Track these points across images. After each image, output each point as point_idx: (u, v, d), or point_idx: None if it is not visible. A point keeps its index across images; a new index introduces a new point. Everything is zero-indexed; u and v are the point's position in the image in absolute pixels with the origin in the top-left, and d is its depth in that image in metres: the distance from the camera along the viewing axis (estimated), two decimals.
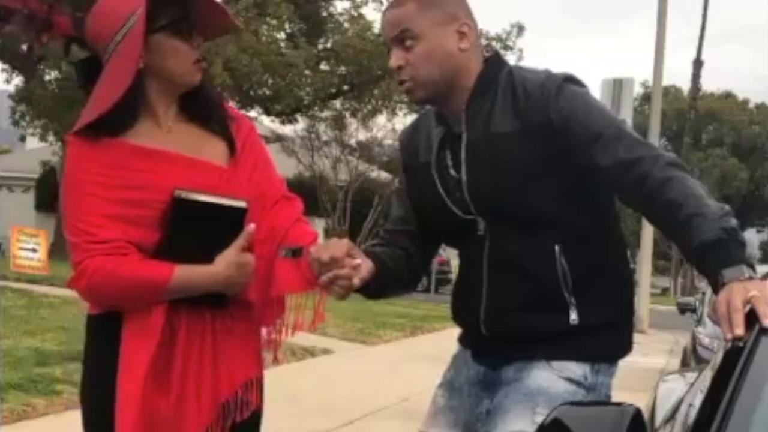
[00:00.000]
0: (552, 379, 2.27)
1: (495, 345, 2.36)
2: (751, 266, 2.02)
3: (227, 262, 2.29)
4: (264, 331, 2.47)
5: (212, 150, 2.38)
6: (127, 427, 2.22)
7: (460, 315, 2.48)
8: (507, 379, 2.33)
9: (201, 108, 2.40)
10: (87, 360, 2.42)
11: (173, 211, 2.26)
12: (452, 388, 2.47)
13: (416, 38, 2.26)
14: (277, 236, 2.38)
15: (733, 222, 2.06)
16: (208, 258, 2.29)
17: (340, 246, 2.27)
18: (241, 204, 2.32)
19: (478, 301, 2.34)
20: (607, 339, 2.34)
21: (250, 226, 2.31)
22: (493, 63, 2.35)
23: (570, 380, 2.28)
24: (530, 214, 2.26)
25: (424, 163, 2.40)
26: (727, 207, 2.10)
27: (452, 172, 2.34)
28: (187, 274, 2.27)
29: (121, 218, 2.25)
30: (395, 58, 2.29)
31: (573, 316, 2.27)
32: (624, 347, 2.41)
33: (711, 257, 2.03)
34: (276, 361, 2.56)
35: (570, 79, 2.28)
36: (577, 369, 2.29)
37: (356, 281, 2.26)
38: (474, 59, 2.32)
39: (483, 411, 2.37)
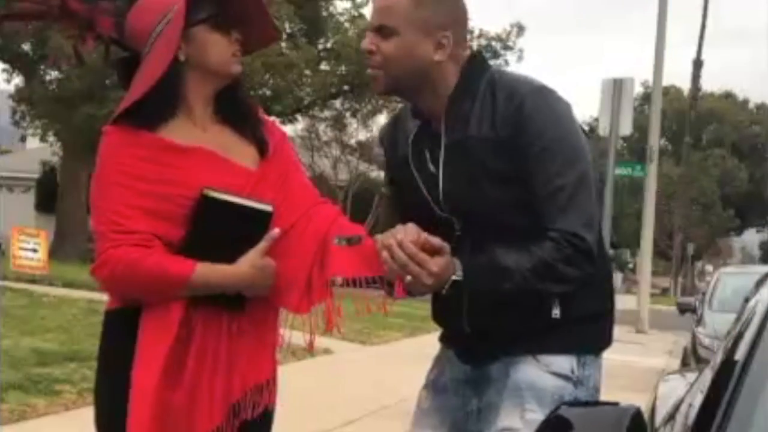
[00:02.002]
0: (539, 375, 2.27)
1: (480, 342, 2.36)
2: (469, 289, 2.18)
3: (249, 263, 2.32)
4: (282, 333, 2.48)
5: (243, 153, 2.42)
6: (139, 421, 2.23)
7: (442, 315, 2.47)
8: (495, 376, 2.33)
9: (235, 111, 2.45)
10: (102, 356, 2.42)
11: (200, 209, 2.30)
12: (436, 388, 2.47)
13: (392, 34, 2.26)
14: (321, 229, 2.39)
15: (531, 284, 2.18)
16: (230, 258, 2.31)
17: (411, 229, 2.14)
18: (267, 208, 2.35)
19: (459, 300, 2.32)
20: (591, 331, 2.35)
21: (274, 231, 2.34)
22: (474, 66, 2.33)
23: (557, 375, 2.28)
24: (500, 221, 2.25)
25: (402, 156, 2.40)
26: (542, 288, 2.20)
27: (431, 167, 2.34)
28: (209, 271, 2.29)
29: (149, 211, 2.29)
30: (368, 41, 2.31)
31: (555, 310, 2.27)
32: (607, 339, 2.41)
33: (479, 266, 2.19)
34: (329, 328, 2.48)
35: (540, 96, 2.25)
36: (563, 362, 2.29)
37: (428, 281, 2.12)
38: (450, 70, 2.30)
39: (473, 410, 2.38)
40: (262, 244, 2.33)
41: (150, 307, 2.29)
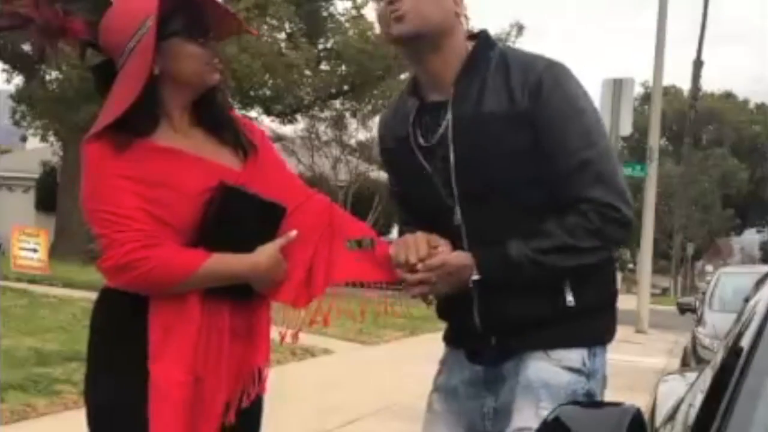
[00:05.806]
0: (552, 371, 2.26)
1: (491, 338, 2.33)
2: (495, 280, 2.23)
3: (268, 254, 2.33)
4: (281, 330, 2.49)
5: (224, 155, 2.42)
6: (164, 415, 2.24)
7: (450, 314, 2.45)
8: (508, 374, 2.31)
9: (212, 116, 2.45)
10: (97, 336, 2.40)
11: (219, 200, 2.30)
12: (447, 391, 2.43)
13: None
14: (316, 223, 2.43)
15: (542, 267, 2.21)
16: (237, 252, 2.32)
17: (421, 245, 2.25)
18: (282, 204, 2.38)
19: (468, 295, 2.30)
20: (601, 322, 2.35)
21: (293, 233, 2.36)
22: (484, 41, 2.34)
23: (570, 369, 2.27)
24: (511, 199, 2.23)
25: (401, 138, 2.36)
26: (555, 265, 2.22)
27: (430, 141, 2.31)
28: (223, 258, 2.30)
29: (149, 214, 2.28)
30: None
31: (569, 297, 2.25)
32: (613, 330, 2.41)
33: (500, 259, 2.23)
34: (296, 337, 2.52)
35: (559, 70, 2.26)
36: (575, 356, 2.28)
37: (445, 290, 2.27)
38: (461, 31, 2.32)
39: (489, 410, 2.36)
40: (281, 240, 2.35)
41: (162, 298, 2.28)
